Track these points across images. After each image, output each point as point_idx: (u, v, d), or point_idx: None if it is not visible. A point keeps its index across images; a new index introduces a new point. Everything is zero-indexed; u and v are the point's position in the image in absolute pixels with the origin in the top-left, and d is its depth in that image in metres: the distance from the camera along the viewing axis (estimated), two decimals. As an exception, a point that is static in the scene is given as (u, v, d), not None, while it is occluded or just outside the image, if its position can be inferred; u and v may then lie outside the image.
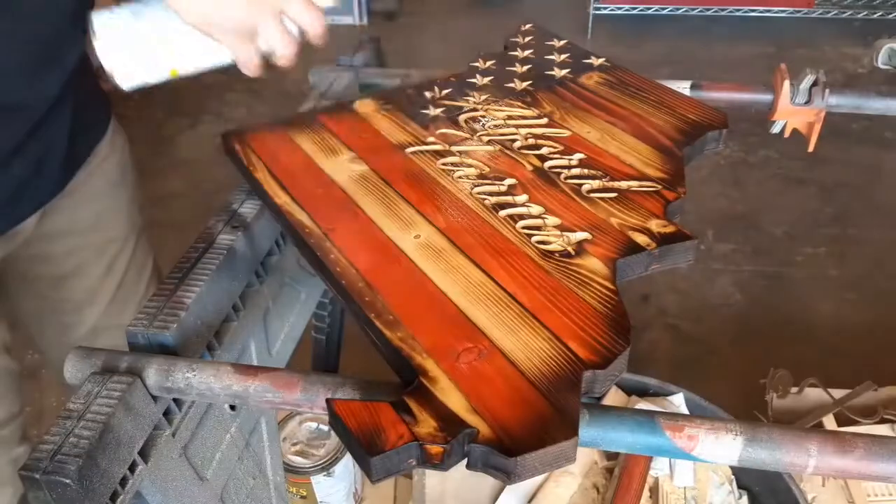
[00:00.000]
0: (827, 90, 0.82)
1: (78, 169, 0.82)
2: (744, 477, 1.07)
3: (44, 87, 0.72)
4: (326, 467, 1.11)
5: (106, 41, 0.65)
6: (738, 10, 3.42)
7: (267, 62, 0.66)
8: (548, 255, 0.55)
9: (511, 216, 0.60)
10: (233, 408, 0.63)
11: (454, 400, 0.43)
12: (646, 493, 1.03)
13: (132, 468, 0.49)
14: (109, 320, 0.92)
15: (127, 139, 0.92)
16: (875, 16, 3.36)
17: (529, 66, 0.84)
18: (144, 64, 0.66)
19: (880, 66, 0.91)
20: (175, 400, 0.54)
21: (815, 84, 0.82)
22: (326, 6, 0.65)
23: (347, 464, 1.14)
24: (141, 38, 0.65)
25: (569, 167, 0.66)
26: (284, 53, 0.64)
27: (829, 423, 1.24)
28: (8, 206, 0.74)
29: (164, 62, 0.66)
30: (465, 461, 0.42)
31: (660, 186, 0.62)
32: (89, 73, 0.82)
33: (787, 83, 0.82)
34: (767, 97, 0.85)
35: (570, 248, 0.56)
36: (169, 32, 0.64)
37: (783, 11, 3.39)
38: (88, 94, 0.82)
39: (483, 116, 0.74)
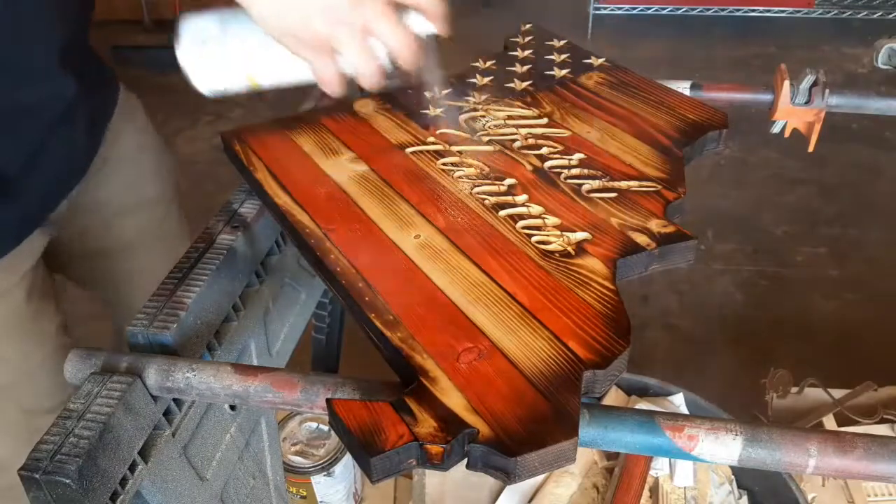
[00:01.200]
0: (827, 90, 0.82)
1: (98, 147, 0.85)
2: (744, 477, 1.07)
3: (67, 82, 0.75)
4: (326, 467, 1.11)
5: (187, 44, 0.65)
6: (738, 10, 3.42)
7: (350, 82, 0.64)
8: (548, 255, 0.55)
9: (511, 216, 0.60)
10: (233, 408, 0.63)
11: (454, 400, 0.43)
12: (646, 493, 1.03)
13: (132, 468, 0.49)
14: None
15: (139, 103, 0.94)
16: (875, 16, 3.36)
17: (529, 66, 0.84)
18: (222, 71, 0.66)
19: (880, 66, 0.91)
20: (175, 400, 0.54)
21: (815, 84, 0.82)
22: (427, 33, 0.63)
23: (347, 464, 1.14)
24: (222, 45, 0.65)
25: (569, 167, 0.66)
26: (366, 75, 0.62)
27: (829, 423, 1.24)
28: (39, 200, 0.77)
29: (243, 72, 0.66)
30: (465, 461, 0.42)
31: (660, 186, 0.62)
32: (90, 51, 0.84)
33: (787, 83, 0.82)
34: (767, 97, 0.85)
35: (570, 248, 0.56)
36: (251, 43, 0.64)
37: (783, 11, 3.39)
38: (94, 73, 0.83)
39: (483, 116, 0.74)
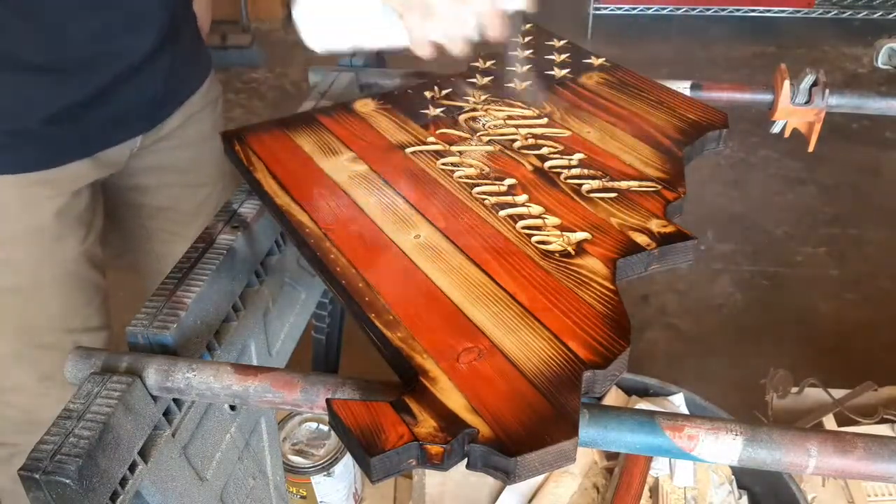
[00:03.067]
0: (827, 90, 0.82)
1: (168, 115, 0.94)
2: (744, 477, 1.07)
3: (131, 47, 0.84)
4: (326, 467, 1.11)
5: (303, 4, 0.73)
6: (738, 10, 3.42)
7: (440, 49, 0.70)
8: (548, 255, 0.55)
9: (511, 216, 0.60)
10: (233, 408, 0.63)
11: (454, 400, 0.43)
12: (646, 493, 1.03)
13: (132, 468, 0.49)
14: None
15: (223, 100, 1.05)
16: (875, 16, 3.36)
17: (529, 65, 0.84)
18: (333, 31, 0.74)
19: (880, 66, 0.91)
20: (175, 400, 0.54)
21: (815, 84, 0.82)
22: (515, 8, 0.69)
23: (347, 464, 1.14)
24: (334, 5, 0.73)
25: (569, 167, 0.66)
26: (456, 42, 0.67)
27: (829, 423, 1.24)
28: (94, 134, 0.86)
29: (350, 33, 0.74)
30: (465, 461, 0.42)
31: (660, 186, 0.62)
32: (189, 32, 0.96)
33: (787, 83, 0.82)
34: (767, 97, 0.85)
35: (570, 248, 0.56)
36: (360, 5, 0.72)
37: (783, 11, 3.39)
38: (187, 51, 0.94)
39: (483, 116, 0.74)
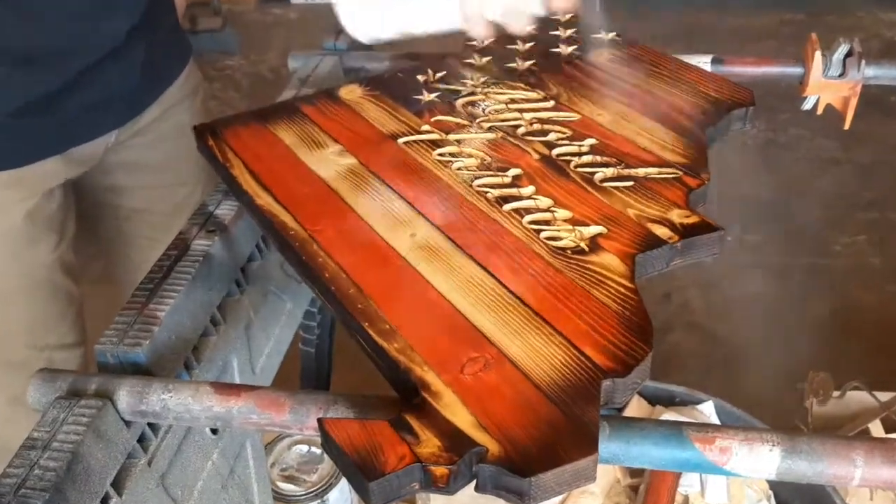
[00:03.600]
0: (863, 61, 0.82)
1: (146, 107, 0.95)
2: (783, 492, 1.07)
3: (105, 31, 0.85)
4: (320, 494, 1.11)
5: None
6: (761, -25, 3.42)
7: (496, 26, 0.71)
8: (558, 251, 0.55)
9: (516, 210, 0.60)
10: (214, 431, 0.63)
11: (459, 416, 0.43)
12: (674, 512, 1.03)
13: (105, 501, 0.49)
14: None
15: (204, 90, 1.08)
16: (914, -23, 3.35)
17: (533, 42, 0.84)
18: (378, 16, 0.75)
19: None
20: (150, 425, 0.54)
21: (849, 54, 0.82)
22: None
23: (344, 490, 1.14)
24: None
25: (579, 154, 0.66)
26: (514, 18, 0.70)
27: (876, 429, 1.24)
28: (67, 128, 0.87)
29: (397, 19, 0.75)
30: (473, 483, 0.42)
31: (681, 172, 0.62)
32: (167, 19, 0.97)
33: (818, 54, 0.82)
34: (797, 70, 0.85)
35: (582, 244, 0.56)
36: None
37: (812, -26, 3.39)
38: (165, 38, 0.96)
39: (482, 100, 0.75)
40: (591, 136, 0.68)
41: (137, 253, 1.05)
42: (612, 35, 0.84)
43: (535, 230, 0.58)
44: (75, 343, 0.94)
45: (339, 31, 0.94)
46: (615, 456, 0.45)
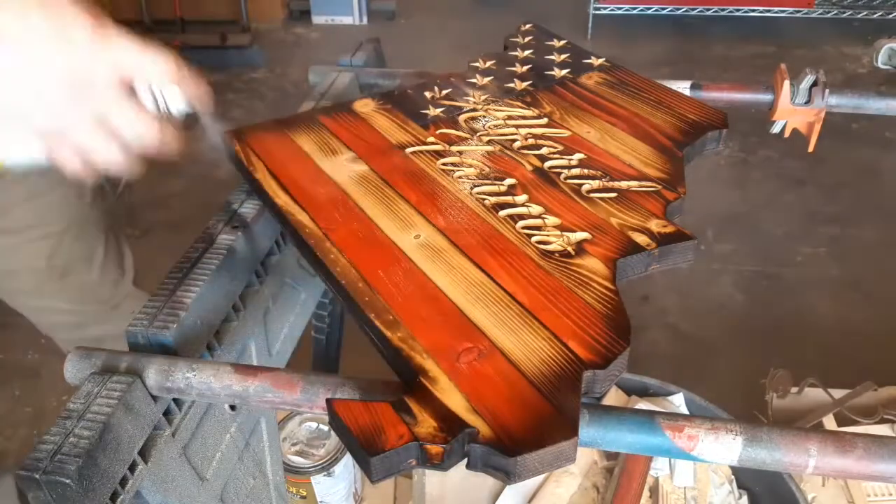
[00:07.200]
0: (827, 90, 0.82)
1: None
2: (744, 477, 1.07)
3: None
4: (326, 467, 1.11)
5: None
6: (738, 10, 3.42)
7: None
8: (548, 255, 0.55)
9: (511, 216, 0.60)
10: (233, 408, 0.63)
11: (454, 400, 0.43)
12: (646, 493, 1.03)
13: (132, 468, 0.49)
14: (70, 306, 0.98)
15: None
16: (875, 16, 3.36)
17: (529, 65, 0.84)
18: None
19: (880, 66, 0.91)
20: (175, 400, 0.54)
21: (815, 84, 0.82)
22: (177, 110, 0.56)
23: (347, 464, 1.14)
24: None
25: (569, 167, 0.66)
26: (109, 163, 0.55)
27: (829, 423, 1.24)
28: None
29: None
30: (465, 461, 0.42)
31: (660, 186, 0.62)
32: None
33: (787, 83, 0.82)
34: (767, 97, 0.85)
35: (570, 248, 0.56)
36: None
37: (783, 11, 3.39)
38: None
39: (483, 116, 0.74)
40: (580, 151, 0.68)
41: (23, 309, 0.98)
42: (601, 61, 0.84)
43: (527, 235, 0.58)
44: None
45: (355, 49, 0.94)
46: (594, 440, 0.45)
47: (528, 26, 0.93)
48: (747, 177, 2.47)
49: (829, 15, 3.38)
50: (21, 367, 1.71)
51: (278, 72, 3.27)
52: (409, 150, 0.69)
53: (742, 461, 0.43)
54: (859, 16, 3.37)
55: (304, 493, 1.13)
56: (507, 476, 0.41)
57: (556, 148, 0.69)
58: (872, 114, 0.84)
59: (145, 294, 1.04)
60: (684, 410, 1.09)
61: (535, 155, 0.68)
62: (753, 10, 3.41)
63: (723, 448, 0.43)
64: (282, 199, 0.63)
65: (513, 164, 0.67)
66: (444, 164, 0.67)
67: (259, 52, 3.35)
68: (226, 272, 0.61)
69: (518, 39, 0.90)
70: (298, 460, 1.12)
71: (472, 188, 0.63)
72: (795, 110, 0.83)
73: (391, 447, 0.40)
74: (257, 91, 3.13)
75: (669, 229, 0.57)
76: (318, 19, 3.79)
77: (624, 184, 0.63)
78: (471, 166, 0.67)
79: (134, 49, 0.53)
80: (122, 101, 0.54)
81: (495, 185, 0.64)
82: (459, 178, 0.65)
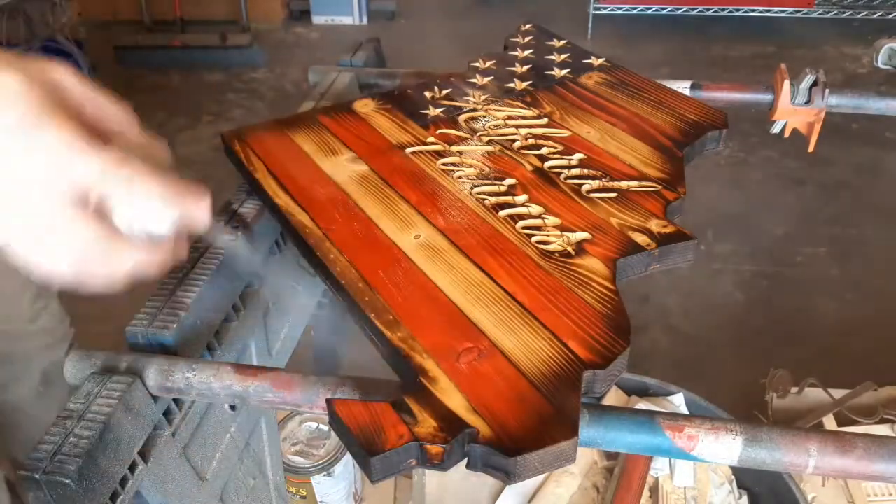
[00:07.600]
0: (827, 90, 0.82)
1: None
2: (744, 477, 1.07)
3: None
4: (326, 467, 1.11)
5: None
6: (737, 10, 3.42)
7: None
8: (548, 255, 0.55)
9: (511, 216, 0.60)
10: (233, 408, 0.63)
11: (454, 400, 0.43)
12: (646, 493, 1.03)
13: (132, 468, 0.49)
14: None
15: None
16: (875, 16, 3.36)
17: (529, 66, 0.84)
18: None
19: (880, 66, 0.91)
20: (175, 400, 0.54)
21: (815, 84, 0.82)
22: (156, 232, 0.44)
23: (347, 464, 1.14)
24: None
25: (569, 167, 0.66)
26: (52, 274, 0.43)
27: (829, 423, 1.24)
28: None
29: None
30: (465, 461, 0.42)
31: (660, 186, 0.62)
32: None
33: (787, 83, 0.82)
34: (767, 97, 0.85)
35: (570, 248, 0.56)
36: None
37: (783, 11, 3.40)
38: None
39: (483, 116, 0.74)
40: (580, 151, 0.68)
41: None
42: (601, 61, 0.84)
43: (527, 235, 0.57)
44: None
45: (355, 49, 0.94)
46: (593, 440, 0.44)
47: (528, 26, 0.93)
48: (747, 177, 2.47)
49: (829, 15, 3.39)
50: None
51: (278, 72, 3.28)
52: (409, 150, 0.69)
53: (742, 461, 0.43)
54: (859, 16, 3.37)
55: (304, 493, 1.13)
56: (507, 476, 0.41)
57: (556, 148, 0.68)
58: (872, 114, 0.84)
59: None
60: (684, 410, 1.09)
61: (535, 155, 0.68)
62: (753, 10, 3.41)
63: (723, 448, 0.43)
64: (282, 199, 0.63)
65: (513, 164, 0.66)
66: (444, 164, 0.67)
67: (259, 52, 3.35)
68: (226, 272, 0.61)
69: (518, 39, 0.90)
70: (298, 460, 1.12)
71: (472, 188, 0.63)
72: (795, 110, 0.83)
73: (391, 447, 0.40)
74: (257, 91, 3.13)
75: (669, 229, 0.57)
76: (318, 19, 3.79)
77: (624, 184, 0.63)
78: (471, 166, 0.66)
79: (99, 166, 0.40)
80: (75, 223, 0.41)
81: (495, 185, 0.64)
82: (459, 178, 0.65)
